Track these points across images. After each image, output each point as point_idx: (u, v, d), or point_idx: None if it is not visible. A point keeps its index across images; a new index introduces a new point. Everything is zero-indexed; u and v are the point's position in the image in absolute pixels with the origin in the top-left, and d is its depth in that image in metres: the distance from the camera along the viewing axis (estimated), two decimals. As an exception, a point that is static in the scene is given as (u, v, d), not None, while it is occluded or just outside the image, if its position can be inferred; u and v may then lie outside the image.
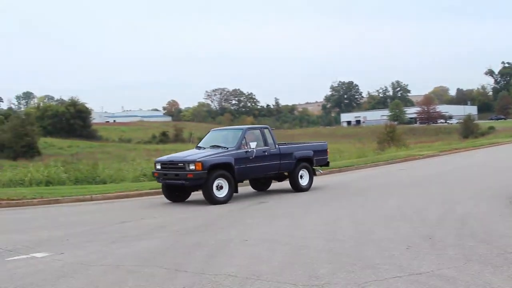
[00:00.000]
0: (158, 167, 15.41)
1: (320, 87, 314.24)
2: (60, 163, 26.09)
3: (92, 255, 8.52)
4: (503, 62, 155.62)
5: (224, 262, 7.58)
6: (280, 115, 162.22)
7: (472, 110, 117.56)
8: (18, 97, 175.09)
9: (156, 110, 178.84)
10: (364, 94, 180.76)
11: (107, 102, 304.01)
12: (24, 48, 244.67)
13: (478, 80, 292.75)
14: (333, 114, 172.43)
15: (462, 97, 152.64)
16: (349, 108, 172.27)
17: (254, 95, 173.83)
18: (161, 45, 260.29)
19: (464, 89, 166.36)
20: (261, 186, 17.87)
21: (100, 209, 14.75)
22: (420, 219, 10.73)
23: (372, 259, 7.43)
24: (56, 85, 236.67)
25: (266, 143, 16.09)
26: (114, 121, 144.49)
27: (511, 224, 10.01)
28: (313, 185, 17.31)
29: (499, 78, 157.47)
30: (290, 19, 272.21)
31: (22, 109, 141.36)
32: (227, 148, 15.32)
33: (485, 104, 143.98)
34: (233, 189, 14.88)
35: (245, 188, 16.92)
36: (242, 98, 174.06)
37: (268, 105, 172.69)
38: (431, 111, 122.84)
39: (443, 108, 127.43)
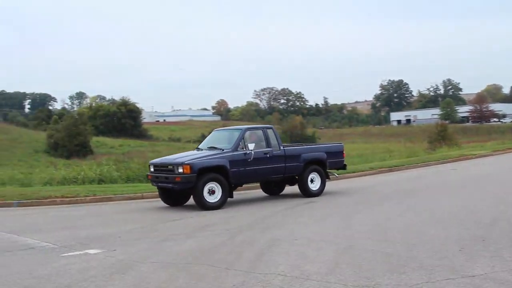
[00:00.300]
0: (152, 169, 14.84)
1: (370, 85, 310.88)
2: (112, 161, 26.55)
3: (144, 252, 8.66)
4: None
5: (273, 261, 7.58)
6: (329, 114, 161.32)
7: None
8: (71, 98, 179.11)
9: (205, 109, 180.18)
10: (415, 93, 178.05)
11: (157, 102, 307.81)
12: (76, 49, 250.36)
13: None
14: (382, 113, 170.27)
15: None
16: (399, 107, 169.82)
17: (302, 94, 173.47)
18: (210, 45, 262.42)
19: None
20: (272, 190, 16.95)
21: (151, 207, 14.95)
22: (473, 220, 10.50)
23: (423, 260, 7.31)
24: (108, 85, 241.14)
25: (268, 144, 15.02)
26: (164, 120, 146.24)
27: None
28: (363, 185, 17.08)
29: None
30: (338, 18, 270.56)
31: (75, 109, 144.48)
32: (223, 150, 14.48)
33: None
34: (227, 193, 14.03)
35: (290, 188, 16.81)
36: (290, 97, 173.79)
37: (317, 104, 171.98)
38: (484, 109, 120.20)
39: (496, 107, 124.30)
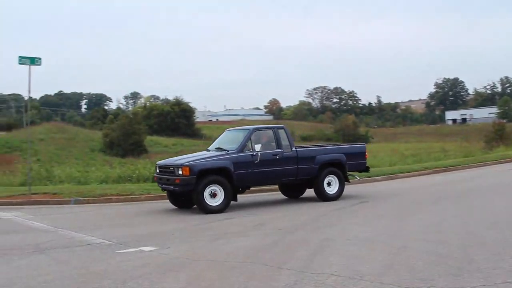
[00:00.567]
0: (157, 170, 14.54)
1: (424, 84, 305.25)
2: (166, 160, 26.87)
3: (197, 250, 8.76)
4: None
5: (326, 261, 7.55)
6: (382, 113, 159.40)
7: None
8: (126, 97, 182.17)
9: (258, 108, 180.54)
10: (471, 91, 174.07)
11: (210, 101, 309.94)
12: (131, 50, 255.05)
13: None
14: (437, 112, 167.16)
15: None
16: (454, 106, 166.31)
17: (355, 93, 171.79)
18: (262, 43, 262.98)
19: None
20: (291, 193, 16.21)
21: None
22: (533, 222, 10.23)
23: (480, 262, 7.15)
24: (161, 85, 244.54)
25: (279, 145, 14.36)
26: (217, 119, 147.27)
27: None
28: (417, 184, 16.76)
29: None
30: (392, 14, 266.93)
31: (130, 108, 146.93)
32: (228, 151, 13.98)
33: None
34: (230, 196, 13.51)
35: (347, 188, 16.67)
36: (343, 96, 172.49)
37: (370, 103, 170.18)
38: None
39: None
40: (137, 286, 6.61)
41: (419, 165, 26.25)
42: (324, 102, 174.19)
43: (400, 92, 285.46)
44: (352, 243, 8.88)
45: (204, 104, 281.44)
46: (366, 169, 16.31)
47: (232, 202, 13.84)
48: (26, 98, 18.95)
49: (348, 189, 16.15)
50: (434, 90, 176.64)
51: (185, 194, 13.86)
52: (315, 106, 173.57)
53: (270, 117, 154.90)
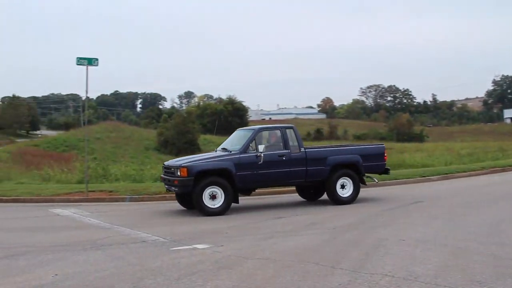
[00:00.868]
0: (163, 171, 14.41)
1: (482, 81, 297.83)
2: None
3: (250, 249, 8.80)
4: None
5: (380, 261, 7.48)
6: (438, 112, 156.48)
7: None
8: (180, 97, 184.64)
9: (311, 107, 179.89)
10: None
11: (263, 100, 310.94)
12: (184, 50, 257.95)
13: None
14: (495, 110, 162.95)
15: None
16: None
17: (410, 91, 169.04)
18: (315, 42, 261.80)
19: None
20: (308, 195, 15.61)
21: (254, 204, 15.12)
22: None
23: (540, 265, 6.95)
24: (215, 84, 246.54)
25: (286, 146, 13.86)
26: (270, 118, 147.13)
27: None
28: (473, 184, 16.36)
29: None
30: (446, 10, 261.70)
31: (184, 107, 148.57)
32: (230, 152, 13.66)
33: None
34: (231, 198, 13.13)
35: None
36: (397, 95, 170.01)
37: (425, 102, 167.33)
38: None
39: None
40: (190, 283, 6.69)
41: (476, 164, 25.67)
42: (378, 100, 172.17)
43: (456, 90, 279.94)
44: (406, 243, 8.76)
45: (257, 103, 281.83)
46: (386, 171, 15.46)
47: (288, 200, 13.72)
48: (84, 98, 19.34)
49: (402, 188, 15.91)
50: (492, 88, 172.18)
51: (185, 195, 13.69)
52: (369, 104, 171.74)
53: (323, 115, 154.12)
